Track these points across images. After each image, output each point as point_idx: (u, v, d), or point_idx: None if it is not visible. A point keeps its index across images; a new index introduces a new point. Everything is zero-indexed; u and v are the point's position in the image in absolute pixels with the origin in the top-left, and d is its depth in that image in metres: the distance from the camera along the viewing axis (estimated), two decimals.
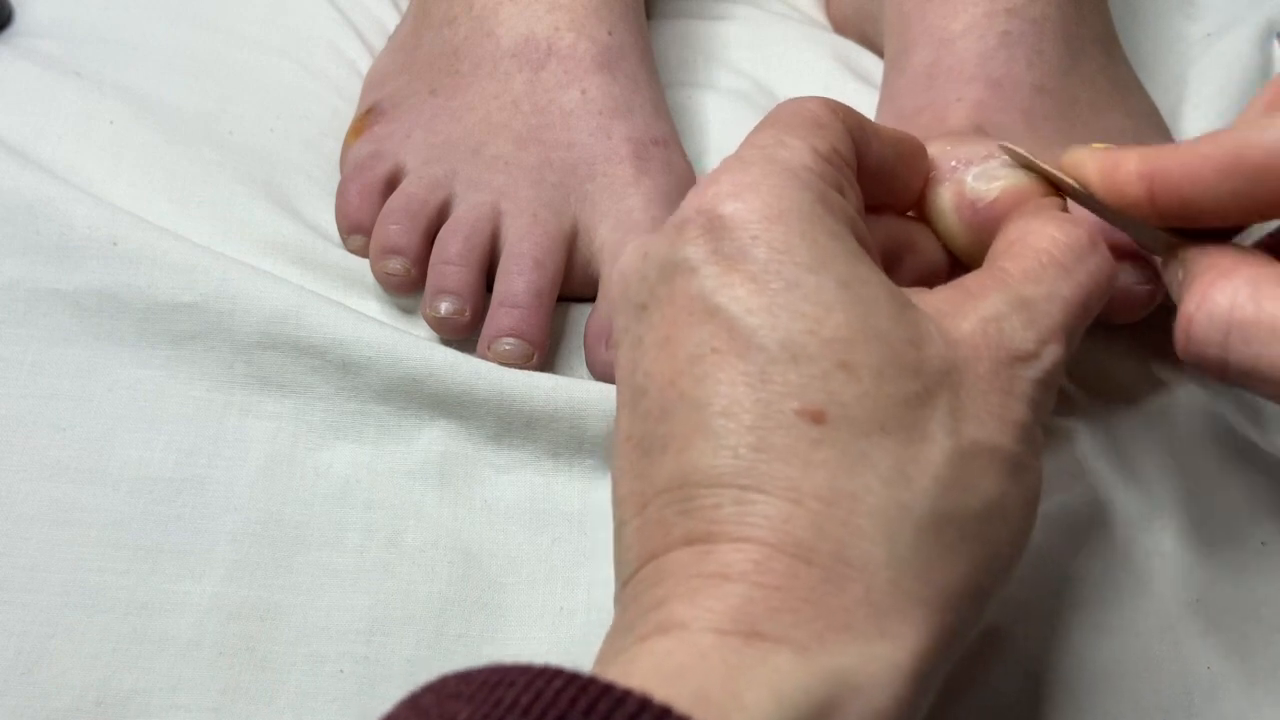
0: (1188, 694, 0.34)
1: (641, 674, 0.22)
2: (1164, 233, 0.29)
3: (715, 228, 0.26)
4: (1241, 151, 0.27)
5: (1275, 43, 0.51)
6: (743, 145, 0.28)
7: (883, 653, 0.22)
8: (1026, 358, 0.26)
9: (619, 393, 0.27)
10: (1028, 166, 0.31)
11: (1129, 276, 0.35)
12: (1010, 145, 0.31)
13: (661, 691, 0.20)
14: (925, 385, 0.25)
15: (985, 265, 0.29)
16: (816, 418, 0.24)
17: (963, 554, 0.24)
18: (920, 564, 0.23)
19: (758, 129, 0.28)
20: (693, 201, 0.27)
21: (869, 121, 0.30)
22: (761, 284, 0.25)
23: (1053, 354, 0.27)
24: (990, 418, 0.25)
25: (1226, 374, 0.27)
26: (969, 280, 0.28)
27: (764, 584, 0.23)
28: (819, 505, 0.23)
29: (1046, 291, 0.27)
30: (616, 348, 0.27)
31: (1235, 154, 0.27)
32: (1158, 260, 0.37)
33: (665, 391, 0.25)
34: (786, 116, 0.28)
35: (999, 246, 0.29)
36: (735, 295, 0.25)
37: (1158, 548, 0.36)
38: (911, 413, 0.24)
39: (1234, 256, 0.28)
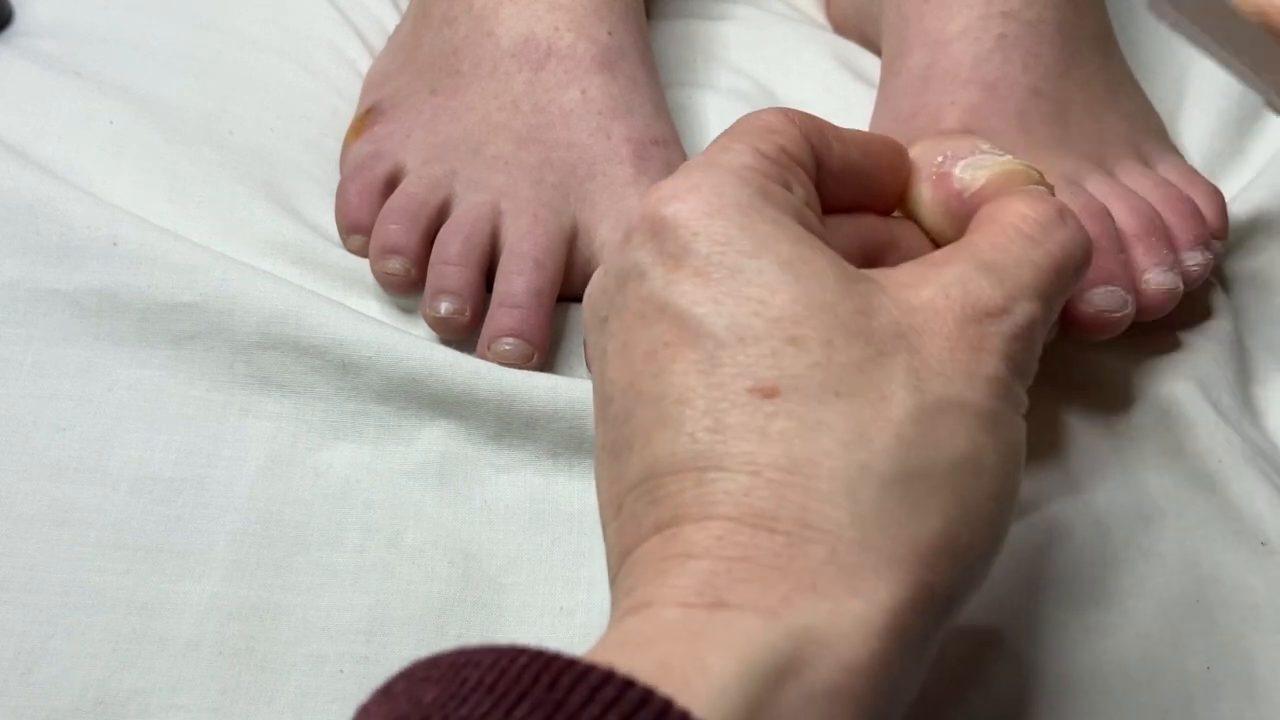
0: (1188, 694, 0.34)
1: (606, 650, 0.22)
2: None
3: (659, 230, 0.26)
4: None
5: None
6: (697, 156, 0.29)
7: (852, 610, 0.22)
8: (996, 313, 0.26)
9: (594, 406, 0.28)
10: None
11: (1105, 301, 0.37)
12: None
13: (625, 664, 0.20)
14: (878, 349, 0.25)
15: (953, 244, 0.29)
16: (769, 393, 0.24)
17: (934, 509, 0.24)
18: (887, 521, 0.23)
19: (713, 140, 0.29)
20: (638, 209, 0.27)
21: (831, 126, 0.30)
22: (705, 276, 0.25)
23: (1025, 311, 0.27)
24: (958, 374, 0.25)
25: None
26: (935, 254, 0.29)
27: (728, 556, 0.23)
28: (778, 475, 0.24)
29: (1014, 258, 0.28)
30: (590, 365, 0.28)
31: None
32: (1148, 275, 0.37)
33: (626, 393, 0.26)
34: (738, 126, 0.29)
35: (971, 226, 0.30)
36: (682, 290, 0.25)
37: (1156, 548, 0.36)
38: (866, 376, 0.25)
39: None
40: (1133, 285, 0.38)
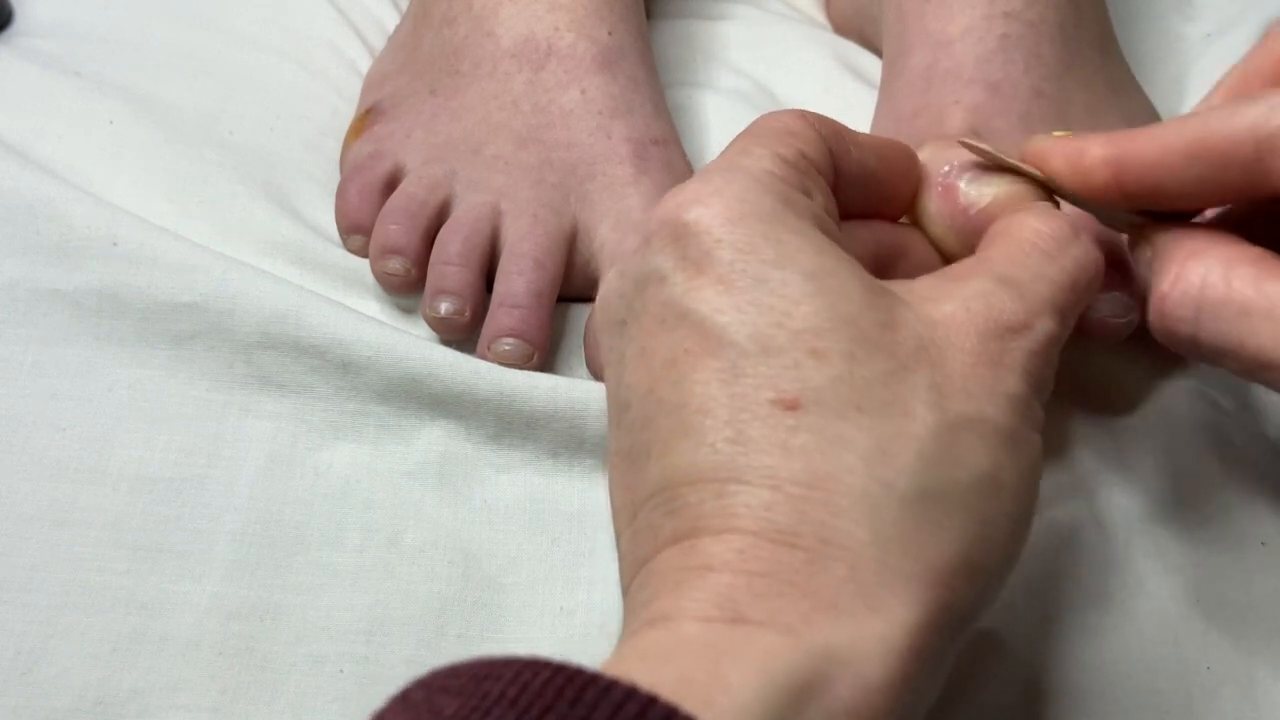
0: (1188, 694, 0.34)
1: (625, 663, 0.22)
2: (1131, 214, 0.30)
3: (680, 235, 0.26)
4: (1207, 137, 0.27)
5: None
6: (716, 158, 0.29)
7: (873, 629, 0.22)
8: (1018, 328, 0.26)
9: (608, 411, 0.27)
10: (993, 161, 0.31)
11: (1108, 308, 0.37)
12: (972, 142, 0.32)
13: (646, 678, 0.20)
14: (900, 363, 0.25)
15: (970, 258, 0.29)
16: (791, 405, 0.24)
17: (953, 529, 0.24)
18: (907, 540, 0.23)
19: (732, 142, 0.29)
20: (657, 213, 0.27)
21: (848, 130, 0.30)
22: (728, 284, 0.25)
23: (1045, 327, 0.27)
24: (979, 391, 0.25)
25: (1198, 350, 0.28)
26: (953, 268, 0.29)
27: (748, 571, 0.23)
28: (799, 490, 0.23)
29: (1032, 274, 0.28)
30: (604, 369, 0.28)
31: (1201, 139, 0.27)
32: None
33: (645, 400, 0.26)
34: (757, 128, 0.29)
35: (984, 241, 0.30)
36: (704, 297, 0.25)
37: (1157, 548, 0.36)
38: (888, 391, 0.25)
39: (1205, 237, 0.28)
40: (1136, 292, 0.38)
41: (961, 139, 0.32)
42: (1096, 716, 0.33)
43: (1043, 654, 0.34)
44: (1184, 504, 0.37)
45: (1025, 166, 0.31)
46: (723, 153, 0.29)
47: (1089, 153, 0.29)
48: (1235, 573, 0.36)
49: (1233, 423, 0.39)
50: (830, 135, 0.29)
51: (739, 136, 0.29)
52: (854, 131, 0.30)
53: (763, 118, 0.29)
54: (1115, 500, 0.37)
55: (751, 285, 0.25)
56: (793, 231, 0.26)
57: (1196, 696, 0.34)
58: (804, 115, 0.29)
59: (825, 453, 0.24)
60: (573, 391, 0.38)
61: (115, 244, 0.40)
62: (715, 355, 0.25)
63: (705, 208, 0.26)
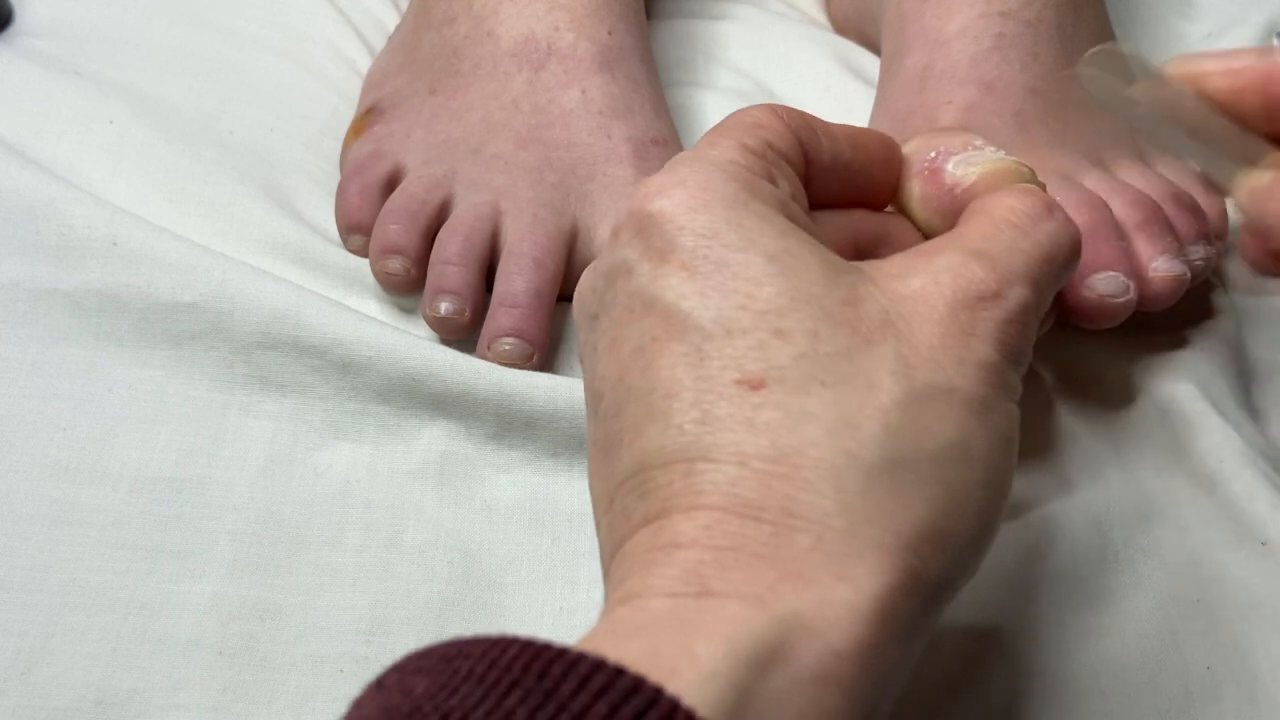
0: (1188, 694, 0.34)
1: (595, 639, 0.22)
2: (1252, 139, 0.29)
3: (645, 226, 0.27)
4: None
5: (1275, 43, 0.51)
6: (683, 152, 0.29)
7: (840, 596, 0.23)
8: (989, 296, 0.27)
9: (585, 403, 0.28)
10: (1135, 63, 0.31)
11: (1106, 287, 0.37)
12: (1115, 47, 0.31)
13: (614, 652, 0.20)
14: (865, 337, 0.25)
15: (943, 235, 0.29)
16: (755, 384, 0.24)
17: (921, 497, 0.24)
18: (874, 509, 0.24)
19: (702, 137, 0.29)
20: (625, 207, 0.28)
21: (820, 122, 0.31)
22: (692, 269, 0.26)
23: (1019, 295, 0.27)
24: (948, 360, 0.26)
25: None
26: (925, 245, 0.29)
27: (715, 546, 0.23)
28: (764, 465, 0.24)
29: (1005, 247, 0.28)
30: (581, 362, 0.28)
31: None
32: (1151, 271, 0.37)
33: (616, 389, 0.26)
34: (726, 122, 0.29)
35: (960, 220, 0.30)
36: (668, 284, 0.26)
37: (1156, 548, 0.36)
38: (852, 364, 0.25)
39: None
40: (1134, 273, 0.38)
41: (1105, 45, 0.31)
42: (1096, 716, 0.33)
43: (1042, 653, 0.34)
44: (1183, 504, 0.37)
45: (1168, 72, 0.30)
46: (691, 147, 0.29)
47: (1240, 55, 0.29)
48: (1235, 572, 0.36)
49: (1233, 424, 0.39)
50: (800, 127, 0.30)
51: (708, 132, 0.29)
52: (827, 123, 0.31)
53: (733, 113, 0.30)
54: (1115, 499, 0.37)
55: (714, 270, 0.25)
56: (755, 216, 0.26)
57: (1196, 696, 0.34)
58: (773, 108, 0.30)
59: (790, 428, 0.24)
60: (573, 391, 0.38)
61: (115, 244, 0.40)
62: (680, 340, 0.25)
63: (668, 198, 0.27)
